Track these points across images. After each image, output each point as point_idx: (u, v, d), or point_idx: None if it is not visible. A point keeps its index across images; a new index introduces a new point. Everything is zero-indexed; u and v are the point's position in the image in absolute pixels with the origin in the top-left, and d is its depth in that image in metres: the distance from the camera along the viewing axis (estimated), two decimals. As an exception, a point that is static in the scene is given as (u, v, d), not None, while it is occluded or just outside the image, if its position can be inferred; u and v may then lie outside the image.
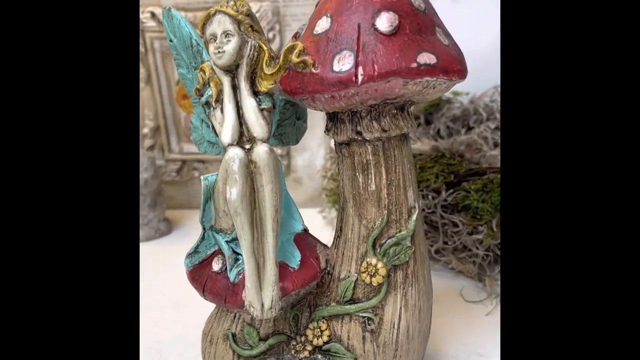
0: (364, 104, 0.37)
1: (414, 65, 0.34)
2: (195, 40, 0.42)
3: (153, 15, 0.82)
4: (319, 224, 0.80)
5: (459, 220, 0.59)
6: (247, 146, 0.39)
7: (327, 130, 0.41)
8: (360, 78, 0.34)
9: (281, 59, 0.38)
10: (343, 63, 0.35)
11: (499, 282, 0.59)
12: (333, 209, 0.78)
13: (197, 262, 0.45)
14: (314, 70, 0.36)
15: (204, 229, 0.44)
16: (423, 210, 0.61)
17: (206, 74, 0.41)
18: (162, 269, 0.71)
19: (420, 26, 0.36)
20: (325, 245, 0.45)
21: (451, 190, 0.59)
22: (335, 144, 0.42)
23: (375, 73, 0.34)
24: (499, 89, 0.84)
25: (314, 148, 0.85)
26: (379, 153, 0.39)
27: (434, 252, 0.62)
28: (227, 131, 0.38)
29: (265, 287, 0.40)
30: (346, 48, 0.35)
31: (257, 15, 0.80)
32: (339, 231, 0.43)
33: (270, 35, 0.81)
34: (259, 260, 0.40)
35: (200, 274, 0.44)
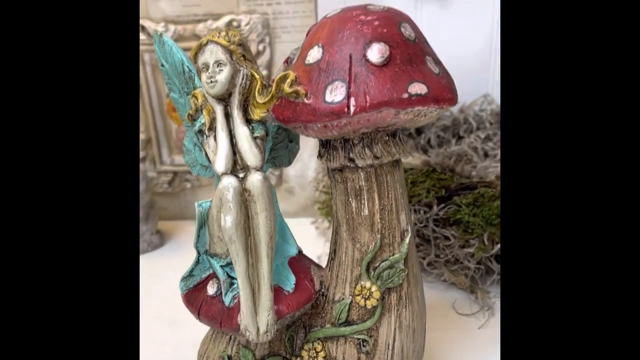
0: (356, 132, 0.37)
1: (405, 95, 0.35)
2: (187, 66, 0.43)
3: (143, 28, 0.82)
4: (312, 235, 0.80)
5: (450, 234, 0.59)
6: (241, 175, 0.39)
7: (320, 156, 0.42)
8: (352, 109, 0.35)
9: (273, 88, 0.39)
10: (335, 94, 0.35)
11: (491, 295, 0.60)
12: (326, 220, 0.78)
13: (192, 286, 0.45)
14: (306, 101, 0.36)
15: (198, 253, 0.44)
16: (415, 224, 0.61)
17: (198, 100, 0.41)
18: (156, 284, 0.71)
19: (411, 56, 0.36)
20: (319, 266, 0.46)
21: (442, 205, 0.60)
22: (328, 170, 0.43)
23: (367, 104, 0.35)
24: (489, 98, 0.85)
25: (306, 158, 0.85)
26: (372, 179, 0.40)
27: (426, 265, 0.63)
28: (220, 160, 0.39)
29: (260, 311, 0.40)
30: (338, 79, 0.36)
31: (247, 27, 0.81)
32: (333, 253, 0.44)
33: (260, 47, 0.81)
34: (254, 285, 0.41)
35: (196, 298, 0.44)
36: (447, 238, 0.61)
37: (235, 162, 0.40)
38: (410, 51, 0.36)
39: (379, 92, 0.35)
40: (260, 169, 0.39)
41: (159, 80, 0.85)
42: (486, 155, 0.73)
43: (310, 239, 0.78)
